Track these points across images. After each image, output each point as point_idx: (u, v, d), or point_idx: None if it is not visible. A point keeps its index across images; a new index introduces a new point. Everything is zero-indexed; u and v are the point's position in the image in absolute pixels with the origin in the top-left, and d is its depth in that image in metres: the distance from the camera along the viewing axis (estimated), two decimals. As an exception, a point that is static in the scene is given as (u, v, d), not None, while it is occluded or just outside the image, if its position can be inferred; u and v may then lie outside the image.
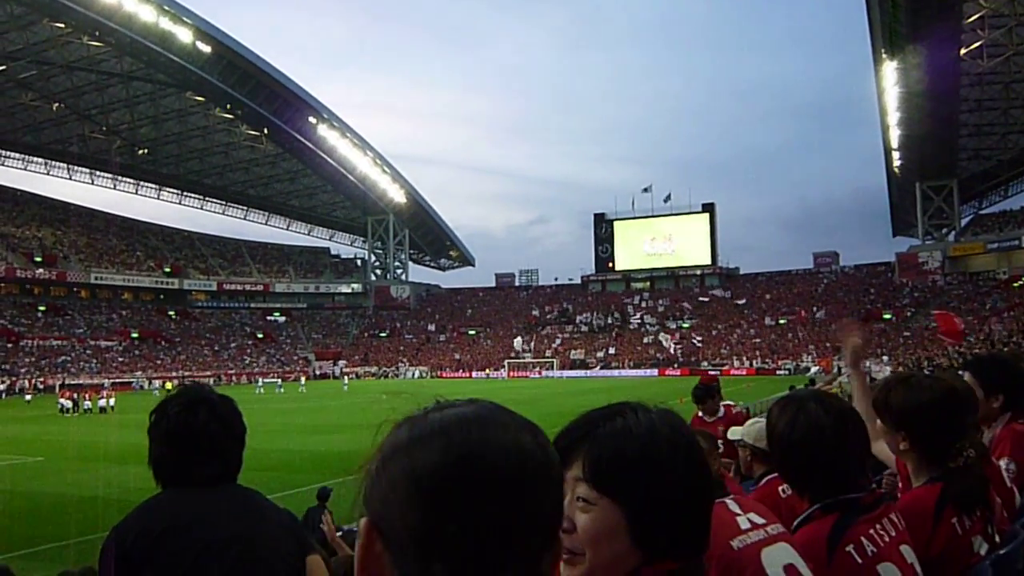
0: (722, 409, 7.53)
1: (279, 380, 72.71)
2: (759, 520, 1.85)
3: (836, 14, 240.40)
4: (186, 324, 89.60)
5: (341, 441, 26.02)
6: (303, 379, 71.25)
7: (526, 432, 0.88)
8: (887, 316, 75.43)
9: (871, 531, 1.96)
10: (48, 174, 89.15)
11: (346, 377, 69.08)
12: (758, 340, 78.35)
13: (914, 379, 2.52)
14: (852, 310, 79.93)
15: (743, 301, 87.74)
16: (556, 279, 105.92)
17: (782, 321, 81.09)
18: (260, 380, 69.29)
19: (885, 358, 61.33)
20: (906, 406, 2.43)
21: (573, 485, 1.14)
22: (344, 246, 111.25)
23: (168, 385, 60.38)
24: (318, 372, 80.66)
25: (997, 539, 2.45)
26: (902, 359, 51.64)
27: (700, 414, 7.52)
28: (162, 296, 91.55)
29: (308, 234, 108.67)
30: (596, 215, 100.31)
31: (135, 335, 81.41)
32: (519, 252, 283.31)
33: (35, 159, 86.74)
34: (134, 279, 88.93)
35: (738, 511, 1.86)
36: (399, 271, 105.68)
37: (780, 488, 3.23)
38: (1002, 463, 3.01)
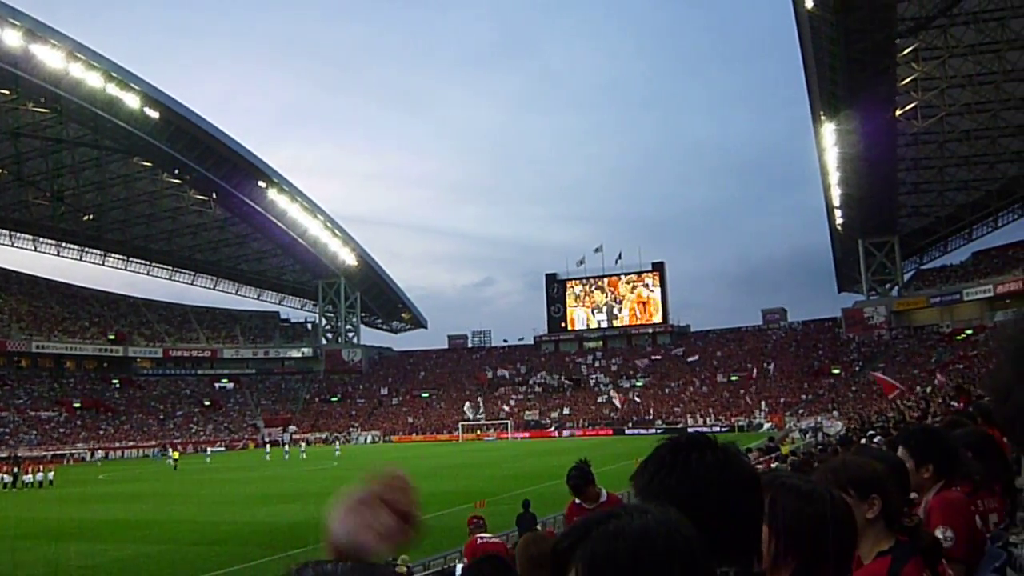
0: (604, 494, 6.60)
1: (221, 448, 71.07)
2: None
3: (778, 75, 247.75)
4: (130, 393, 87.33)
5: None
6: (251, 447, 70.09)
7: None
8: (835, 371, 76.66)
9: None
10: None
11: (337, 443, 71.46)
12: (711, 397, 78.87)
13: (866, 449, 2.78)
14: (801, 365, 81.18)
15: (695, 358, 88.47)
16: (504, 340, 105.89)
17: (734, 377, 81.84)
18: (286, 447, 71.14)
19: (835, 413, 62.10)
20: (883, 472, 2.56)
21: None
22: (294, 310, 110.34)
23: (175, 454, 57.25)
24: (267, 439, 78.57)
25: None
26: (851, 413, 52.18)
27: (578, 502, 6.65)
28: (106, 364, 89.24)
29: (257, 298, 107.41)
30: (548, 275, 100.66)
31: (77, 405, 79.10)
32: (470, 313, 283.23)
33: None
34: (77, 347, 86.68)
35: None
36: (351, 334, 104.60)
37: None
38: (938, 532, 3.03)
